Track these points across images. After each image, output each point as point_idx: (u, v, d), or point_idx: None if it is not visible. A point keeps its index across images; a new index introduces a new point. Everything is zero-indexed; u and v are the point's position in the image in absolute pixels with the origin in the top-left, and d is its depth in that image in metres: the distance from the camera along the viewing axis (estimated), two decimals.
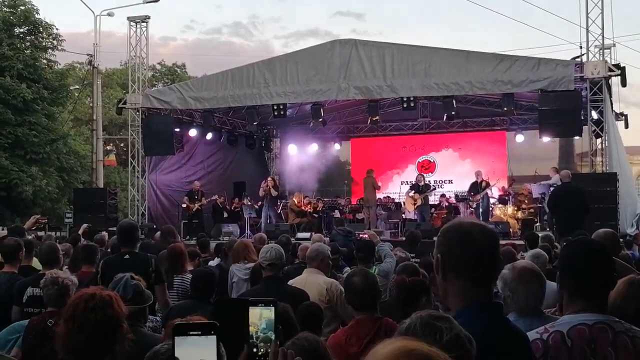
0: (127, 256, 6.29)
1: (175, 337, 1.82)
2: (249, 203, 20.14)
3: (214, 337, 1.83)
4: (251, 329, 1.94)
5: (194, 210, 19.15)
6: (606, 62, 15.95)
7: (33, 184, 25.77)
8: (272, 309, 1.95)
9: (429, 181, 20.86)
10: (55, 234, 20.60)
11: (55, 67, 30.19)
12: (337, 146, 25.48)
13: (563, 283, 2.59)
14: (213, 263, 9.87)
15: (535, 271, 3.84)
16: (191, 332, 1.83)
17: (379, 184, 20.24)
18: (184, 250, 7.22)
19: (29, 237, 8.78)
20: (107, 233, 13.52)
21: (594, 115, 15.94)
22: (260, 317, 1.95)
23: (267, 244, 6.21)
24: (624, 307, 3.05)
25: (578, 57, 16.42)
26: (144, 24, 19.98)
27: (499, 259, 2.31)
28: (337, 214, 19.94)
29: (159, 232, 11.62)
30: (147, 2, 23.16)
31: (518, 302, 3.66)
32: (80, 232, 11.97)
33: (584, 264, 2.55)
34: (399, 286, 5.53)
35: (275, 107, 18.13)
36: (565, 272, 2.60)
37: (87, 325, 2.89)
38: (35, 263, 7.06)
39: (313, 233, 14.62)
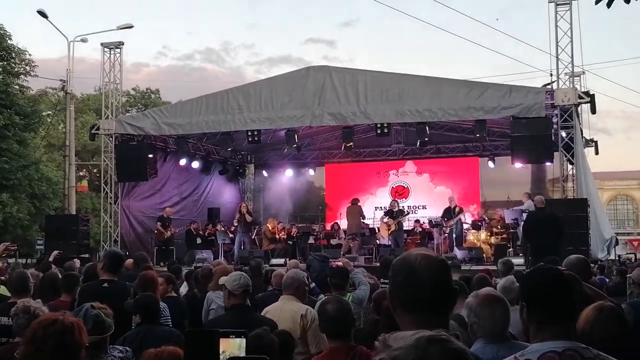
0: (105, 284, 6.24)
1: None
2: (223, 229, 20.08)
3: None
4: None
5: (167, 236, 19.00)
6: (576, 89, 16.20)
7: (3, 211, 25.43)
8: (244, 340, 1.96)
9: (403, 207, 20.93)
10: (26, 261, 20.32)
11: (28, 92, 29.97)
12: (311, 172, 25.49)
13: (529, 312, 2.60)
14: (183, 290, 9.76)
15: (498, 297, 3.92)
16: None
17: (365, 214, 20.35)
18: (155, 277, 7.14)
19: None
20: (78, 260, 13.32)
21: (565, 141, 16.15)
22: (240, 347, 1.96)
23: (233, 272, 6.12)
24: (594, 333, 3.08)
25: (549, 84, 16.69)
26: (118, 49, 19.91)
27: (449, 288, 2.26)
28: (311, 239, 19.91)
29: (130, 259, 11.45)
30: (121, 28, 23.13)
31: (485, 327, 3.71)
32: (50, 258, 11.80)
33: (549, 293, 2.57)
34: (388, 311, 5.45)
35: (249, 133, 18.13)
36: (530, 301, 2.62)
37: (43, 351, 2.85)
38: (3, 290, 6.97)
39: (288, 259, 14.57)
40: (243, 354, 1.93)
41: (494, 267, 11.49)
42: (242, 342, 1.96)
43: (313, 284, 8.11)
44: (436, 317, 2.18)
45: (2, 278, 8.18)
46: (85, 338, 3.00)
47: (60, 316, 3.02)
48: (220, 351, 1.93)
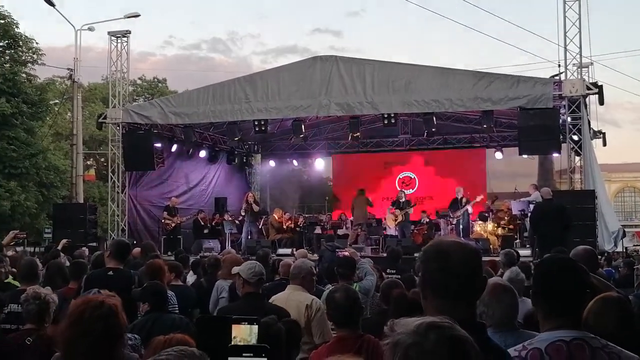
0: (111, 272, 6.27)
1: (230, 358, 1.90)
2: (230, 219, 20.11)
3: (265, 359, 1.91)
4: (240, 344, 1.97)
5: (173, 225, 19.05)
6: (584, 80, 16.11)
7: (11, 199, 25.53)
8: (256, 326, 1.98)
9: (410, 197, 20.91)
10: (34, 249, 20.38)
11: (35, 81, 30.01)
12: (318, 162, 25.49)
13: (538, 301, 2.62)
14: (190, 279, 9.83)
15: (506, 286, 3.95)
16: (245, 354, 1.92)
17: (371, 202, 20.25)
18: (162, 266, 7.17)
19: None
20: (87, 249, 13.39)
21: (572, 132, 16.09)
22: (251, 333, 1.99)
23: (249, 260, 6.16)
24: (600, 324, 3.09)
25: (557, 75, 16.60)
26: (125, 38, 19.89)
27: (481, 278, 2.30)
28: (318, 230, 19.93)
29: (137, 248, 11.51)
30: (128, 17, 23.09)
31: (493, 317, 3.73)
32: (59, 247, 11.85)
33: (558, 282, 2.58)
34: (398, 300, 5.49)
35: (256, 123, 18.11)
36: (540, 290, 2.63)
37: (92, 333, 2.86)
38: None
39: (294, 249, 14.58)
40: (254, 341, 1.96)
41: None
42: (253, 328, 1.98)
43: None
44: (465, 304, 2.21)
45: (14, 270, 8.21)
46: (125, 322, 3.03)
47: (103, 298, 3.03)
48: (232, 337, 1.95)
